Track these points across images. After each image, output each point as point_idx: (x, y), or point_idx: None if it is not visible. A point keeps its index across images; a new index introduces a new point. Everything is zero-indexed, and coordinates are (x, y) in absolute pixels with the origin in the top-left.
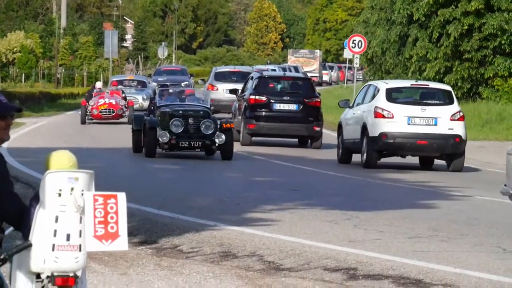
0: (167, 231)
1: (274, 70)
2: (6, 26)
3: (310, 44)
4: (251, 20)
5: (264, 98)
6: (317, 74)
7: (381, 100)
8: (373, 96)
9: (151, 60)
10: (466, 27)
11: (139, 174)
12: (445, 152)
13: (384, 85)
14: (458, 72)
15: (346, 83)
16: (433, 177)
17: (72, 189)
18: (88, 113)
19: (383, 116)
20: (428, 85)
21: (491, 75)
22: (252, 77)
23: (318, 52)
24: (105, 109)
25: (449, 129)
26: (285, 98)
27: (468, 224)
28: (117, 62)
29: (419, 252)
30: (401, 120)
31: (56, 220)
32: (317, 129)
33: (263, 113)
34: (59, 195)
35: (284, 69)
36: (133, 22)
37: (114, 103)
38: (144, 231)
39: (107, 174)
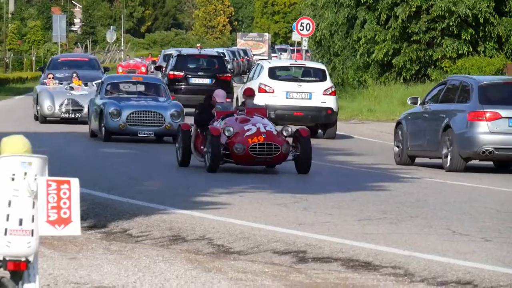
0: (117, 215)
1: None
2: None
3: (259, 27)
4: (199, 3)
5: (181, 73)
6: (267, 57)
7: (264, 77)
8: (259, 74)
9: (99, 44)
10: (414, 9)
11: (89, 158)
12: (319, 122)
13: (267, 64)
14: (406, 54)
15: None
16: (382, 160)
17: (25, 173)
18: None
19: (265, 91)
20: (304, 64)
21: (439, 56)
22: (172, 55)
23: (267, 35)
24: None
25: (322, 102)
26: (200, 73)
27: (417, 206)
28: (65, 47)
29: (368, 234)
30: (280, 95)
31: (9, 205)
32: (228, 100)
33: (181, 86)
34: (12, 179)
35: (233, 53)
36: (81, 6)
37: None
38: (94, 215)
39: (57, 158)
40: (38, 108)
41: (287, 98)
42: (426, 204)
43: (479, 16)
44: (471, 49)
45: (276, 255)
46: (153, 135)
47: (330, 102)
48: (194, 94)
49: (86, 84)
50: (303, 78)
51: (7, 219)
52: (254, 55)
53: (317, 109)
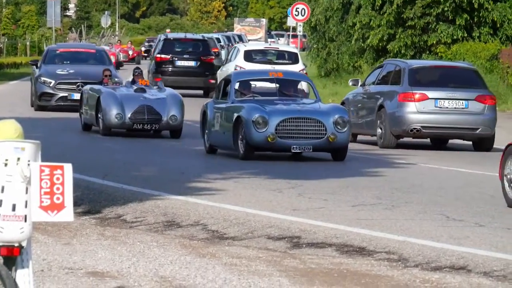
0: (111, 201)
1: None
2: None
3: (254, 12)
4: None
5: (168, 56)
6: (263, 42)
7: (240, 60)
8: (235, 56)
9: (94, 29)
10: None
11: (83, 144)
12: None
13: (243, 47)
14: (401, 39)
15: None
16: (372, 146)
17: (18, 159)
18: None
19: None
20: (278, 48)
21: (434, 42)
22: (159, 39)
23: (263, 21)
24: None
25: None
26: (185, 56)
27: (411, 192)
28: (60, 31)
29: (362, 220)
30: None
31: (2, 190)
32: (212, 81)
33: (167, 68)
34: (5, 165)
35: (228, 38)
36: None
37: None
38: (88, 201)
39: (51, 144)
40: (101, 116)
41: None
42: (420, 190)
43: (473, 1)
44: (466, 35)
45: (271, 240)
46: (310, 150)
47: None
48: (180, 76)
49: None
50: (277, 61)
51: (0, 205)
52: (250, 40)
53: None
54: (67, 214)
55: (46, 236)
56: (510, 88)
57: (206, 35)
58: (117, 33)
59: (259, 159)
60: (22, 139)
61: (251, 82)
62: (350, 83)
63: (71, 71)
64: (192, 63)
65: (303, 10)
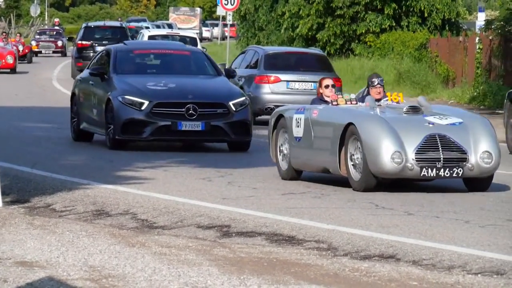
0: (40, 190)
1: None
2: None
3: (183, 1)
4: None
5: (88, 43)
6: (198, 31)
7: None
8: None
9: (23, 18)
10: None
11: (11, 132)
12: None
13: (147, 32)
14: (330, 29)
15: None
16: None
17: None
18: None
19: None
20: (179, 33)
21: (363, 31)
22: (81, 28)
23: (198, 10)
24: None
25: None
26: (104, 42)
27: (340, 180)
28: None
29: (292, 208)
30: None
31: None
32: None
33: (88, 54)
34: None
35: (158, 26)
36: None
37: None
38: (17, 190)
39: None
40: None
41: None
42: (342, 179)
43: None
44: (395, 24)
45: (200, 229)
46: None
47: None
48: None
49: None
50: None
51: None
52: (185, 29)
53: None
54: None
55: None
56: (439, 77)
57: (136, 24)
58: (46, 22)
59: (188, 148)
60: None
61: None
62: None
63: (172, 85)
64: None
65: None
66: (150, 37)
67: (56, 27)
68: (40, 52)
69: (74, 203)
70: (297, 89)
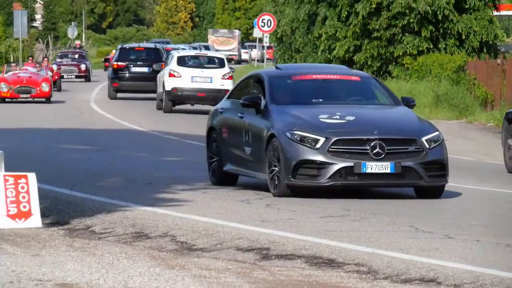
0: (79, 212)
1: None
2: None
3: (220, 23)
4: None
5: (124, 64)
6: (236, 53)
7: (173, 64)
8: (170, 61)
9: (61, 40)
10: (374, 6)
11: (49, 154)
12: (218, 102)
13: (176, 53)
14: (367, 51)
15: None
16: None
17: None
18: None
19: (174, 76)
20: (207, 54)
21: (400, 53)
22: (117, 49)
23: (237, 32)
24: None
25: (221, 85)
26: (139, 63)
27: (380, 203)
28: (27, 42)
29: (331, 231)
30: (186, 79)
31: None
32: None
33: (124, 74)
34: None
35: (195, 48)
36: (42, 2)
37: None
38: (56, 212)
39: (18, 154)
40: None
41: (192, 81)
42: (388, 201)
43: (438, 13)
44: (432, 46)
45: (240, 252)
46: None
47: (227, 85)
48: (135, 80)
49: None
50: (205, 65)
51: None
52: (224, 51)
53: (216, 90)
54: (35, 220)
55: (15, 247)
56: (477, 100)
57: (174, 46)
58: (84, 43)
59: None
60: None
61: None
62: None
63: (350, 117)
64: (145, 69)
65: (269, 21)
66: (179, 58)
67: (78, 49)
68: (62, 77)
69: (113, 225)
70: None
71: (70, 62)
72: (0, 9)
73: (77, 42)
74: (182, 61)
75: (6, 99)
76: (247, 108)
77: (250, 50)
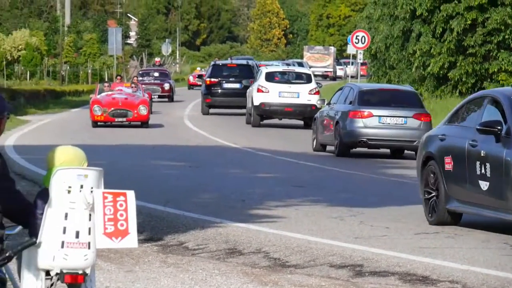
0: (173, 228)
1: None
2: (11, 24)
3: (314, 40)
4: (254, 16)
5: (216, 80)
6: (332, 69)
7: (262, 80)
8: (259, 77)
9: (155, 57)
10: (469, 22)
11: (143, 170)
12: (305, 116)
13: (265, 69)
14: (462, 67)
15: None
16: None
17: (81, 186)
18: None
19: (262, 91)
20: (294, 70)
21: (495, 70)
22: (210, 65)
23: (332, 49)
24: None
25: (307, 100)
26: (231, 79)
27: (474, 220)
28: (121, 59)
29: (425, 248)
30: (274, 94)
31: (66, 217)
32: None
33: (216, 90)
34: (69, 192)
35: (288, 64)
36: (136, 19)
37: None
38: (150, 228)
39: (112, 170)
40: None
41: (279, 96)
42: (483, 218)
43: None
44: None
45: (333, 268)
46: None
47: (314, 100)
48: (227, 96)
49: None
50: (294, 81)
51: (64, 232)
52: (319, 67)
53: (303, 105)
54: (132, 240)
55: (109, 263)
56: None
57: (267, 63)
58: (177, 60)
59: (319, 186)
60: (86, 167)
61: None
62: (318, 103)
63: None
64: (237, 85)
65: (363, 38)
66: (268, 74)
67: (158, 66)
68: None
69: (206, 241)
70: (389, 123)
71: (152, 81)
72: (95, 26)
73: (157, 59)
74: (270, 77)
75: (99, 123)
76: (484, 134)
77: (345, 66)
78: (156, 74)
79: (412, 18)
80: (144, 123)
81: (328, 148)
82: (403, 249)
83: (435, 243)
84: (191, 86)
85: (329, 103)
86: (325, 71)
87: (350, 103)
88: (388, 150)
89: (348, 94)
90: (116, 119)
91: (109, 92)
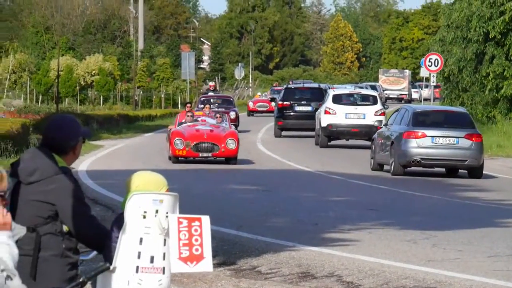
0: (246, 252)
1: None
2: (85, 49)
3: (387, 63)
4: (327, 40)
5: (288, 103)
6: (407, 92)
7: (329, 102)
8: (326, 100)
9: (228, 80)
10: None
11: (217, 195)
12: (370, 137)
13: (332, 92)
14: None
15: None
16: (508, 196)
17: (156, 211)
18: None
19: (330, 113)
20: (361, 92)
21: None
22: (283, 89)
23: (407, 72)
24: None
25: (373, 121)
26: (303, 102)
27: None
28: (194, 84)
29: (498, 271)
30: (341, 115)
31: (140, 242)
32: None
33: (288, 113)
34: (144, 217)
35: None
36: (209, 44)
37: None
38: (223, 252)
39: (185, 195)
40: None
41: (346, 118)
42: None
43: None
44: None
45: None
46: None
47: (380, 121)
48: (299, 119)
49: None
50: (360, 103)
51: (139, 257)
52: (394, 90)
53: (369, 126)
54: (206, 264)
55: None
56: None
57: (339, 86)
58: (250, 84)
59: (392, 210)
60: (166, 192)
61: None
62: (375, 123)
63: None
64: (309, 108)
65: (436, 61)
66: (335, 96)
67: (212, 91)
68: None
69: (279, 265)
70: (441, 143)
71: (216, 109)
72: (168, 51)
73: (211, 83)
74: (337, 99)
75: (180, 158)
76: None
77: (420, 89)
78: (220, 101)
79: (485, 41)
80: (232, 159)
81: (386, 167)
82: (477, 272)
83: (508, 266)
84: (251, 112)
85: (386, 124)
86: (400, 94)
87: (406, 124)
88: (443, 169)
89: (403, 115)
90: (201, 154)
91: (191, 123)
